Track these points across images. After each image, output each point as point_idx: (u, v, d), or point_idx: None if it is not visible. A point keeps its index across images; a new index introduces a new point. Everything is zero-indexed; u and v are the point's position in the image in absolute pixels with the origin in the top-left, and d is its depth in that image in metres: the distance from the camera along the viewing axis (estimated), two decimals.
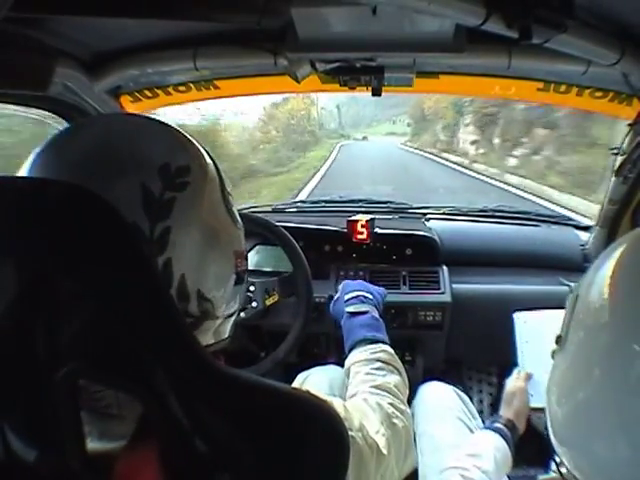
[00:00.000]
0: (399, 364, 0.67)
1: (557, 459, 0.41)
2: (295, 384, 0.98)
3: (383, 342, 0.70)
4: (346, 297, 0.81)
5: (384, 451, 0.47)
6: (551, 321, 0.84)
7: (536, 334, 0.84)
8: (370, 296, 0.81)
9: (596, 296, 0.36)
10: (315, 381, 0.98)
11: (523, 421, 0.77)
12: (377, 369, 0.63)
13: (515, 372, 0.84)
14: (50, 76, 0.69)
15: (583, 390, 0.37)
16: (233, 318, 0.42)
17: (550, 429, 0.41)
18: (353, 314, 0.77)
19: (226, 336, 0.41)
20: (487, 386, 1.37)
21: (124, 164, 0.33)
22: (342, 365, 0.72)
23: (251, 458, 0.30)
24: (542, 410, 0.76)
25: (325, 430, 0.35)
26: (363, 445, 0.43)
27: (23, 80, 0.65)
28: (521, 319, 0.88)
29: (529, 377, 0.81)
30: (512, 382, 0.83)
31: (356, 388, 0.60)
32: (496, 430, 0.74)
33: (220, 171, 0.40)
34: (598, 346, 0.35)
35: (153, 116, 0.41)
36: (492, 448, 0.70)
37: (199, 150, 0.39)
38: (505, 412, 0.78)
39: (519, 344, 0.86)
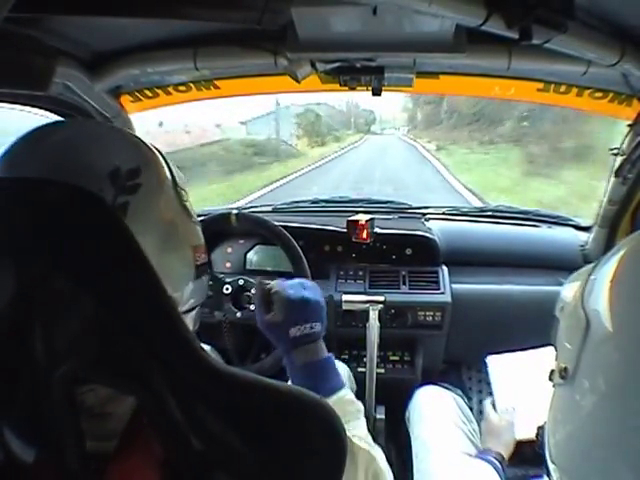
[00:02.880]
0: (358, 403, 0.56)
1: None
2: None
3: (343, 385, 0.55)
4: (291, 333, 0.56)
5: (373, 444, 0.48)
6: (521, 363, 0.96)
7: (509, 374, 0.97)
8: (317, 326, 0.57)
9: (598, 306, 0.33)
10: None
11: (509, 453, 0.84)
12: (358, 419, 0.53)
13: (488, 403, 0.95)
14: (51, 76, 0.69)
15: (583, 410, 0.33)
16: (194, 312, 0.42)
17: (546, 449, 0.38)
18: (306, 364, 0.55)
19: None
20: (487, 386, 1.36)
21: (74, 176, 0.32)
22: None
23: (249, 456, 0.30)
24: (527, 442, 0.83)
25: (323, 428, 0.35)
26: (352, 440, 0.43)
27: (23, 80, 0.65)
28: (493, 363, 1.01)
29: (513, 410, 0.89)
30: (495, 416, 0.90)
31: None
32: (489, 462, 0.78)
33: (171, 167, 0.40)
34: (601, 360, 0.32)
35: None
36: (485, 478, 0.74)
37: (149, 149, 0.38)
38: (494, 445, 0.84)
39: (494, 384, 0.98)
